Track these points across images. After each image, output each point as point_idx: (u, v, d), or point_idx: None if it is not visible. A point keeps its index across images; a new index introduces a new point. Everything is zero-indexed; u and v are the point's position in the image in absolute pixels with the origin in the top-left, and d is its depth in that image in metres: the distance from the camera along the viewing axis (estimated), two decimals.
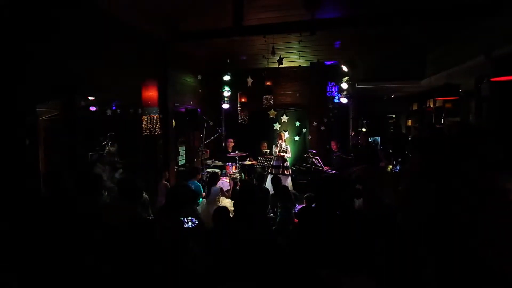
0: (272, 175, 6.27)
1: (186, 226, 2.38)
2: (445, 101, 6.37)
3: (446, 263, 1.58)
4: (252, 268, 2.04)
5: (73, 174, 3.56)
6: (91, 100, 5.34)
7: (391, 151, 6.27)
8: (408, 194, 2.06)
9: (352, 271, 1.67)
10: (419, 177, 2.16)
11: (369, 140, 6.62)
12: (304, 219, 2.26)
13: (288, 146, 6.73)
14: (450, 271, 1.52)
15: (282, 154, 6.51)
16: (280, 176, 5.88)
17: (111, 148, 4.94)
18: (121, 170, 4.83)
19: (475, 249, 1.53)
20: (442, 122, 6.89)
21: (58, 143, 4.86)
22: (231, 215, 2.93)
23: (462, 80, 5.22)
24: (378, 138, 7.48)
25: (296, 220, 4.12)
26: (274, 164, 6.62)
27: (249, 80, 7.10)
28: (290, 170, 6.69)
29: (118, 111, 5.37)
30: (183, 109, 6.38)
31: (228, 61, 6.55)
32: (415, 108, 8.56)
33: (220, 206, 3.88)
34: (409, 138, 7.98)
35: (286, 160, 6.60)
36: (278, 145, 6.58)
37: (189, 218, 2.44)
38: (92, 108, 6.05)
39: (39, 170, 3.34)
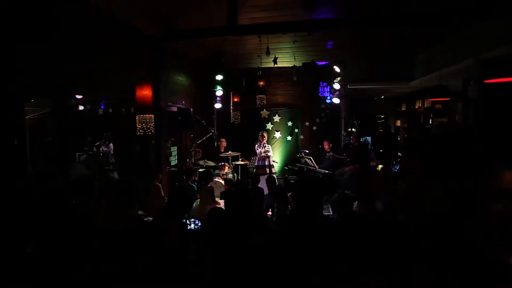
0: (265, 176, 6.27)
1: (189, 228, 2.34)
2: (434, 102, 6.54)
3: (453, 259, 1.61)
4: (250, 269, 2.02)
5: (63, 175, 3.45)
6: (80, 98, 5.17)
7: (381, 151, 6.38)
8: (412, 193, 2.09)
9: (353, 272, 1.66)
10: (421, 177, 2.20)
11: (361, 140, 6.71)
12: (290, 220, 2.25)
13: (270, 146, 6.80)
14: (456, 268, 1.55)
15: (268, 154, 6.56)
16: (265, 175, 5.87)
17: (105, 148, 4.79)
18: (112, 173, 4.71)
19: (479, 244, 1.56)
20: (431, 122, 7.08)
21: (45, 143, 4.69)
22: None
23: (451, 81, 5.37)
24: (369, 138, 7.60)
25: None
26: (259, 164, 6.63)
27: (243, 80, 7.07)
28: (274, 169, 6.74)
29: (110, 110, 5.22)
30: (175, 109, 6.28)
31: (223, 60, 6.49)
32: (403, 108, 8.75)
33: (215, 207, 3.83)
34: (398, 138, 8.16)
35: (270, 160, 6.65)
36: (262, 145, 6.63)
37: (192, 219, 2.39)
38: (80, 107, 5.87)
39: (27, 171, 3.20)
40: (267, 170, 6.55)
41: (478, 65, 4.40)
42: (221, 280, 1.88)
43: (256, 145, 6.80)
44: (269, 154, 6.66)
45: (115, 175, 4.94)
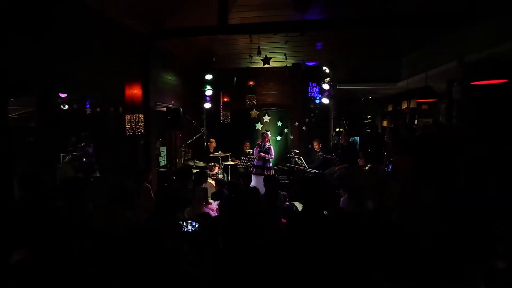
0: (257, 176, 6.27)
1: (185, 230, 2.30)
2: (420, 103, 6.72)
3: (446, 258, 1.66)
4: (247, 271, 2.00)
5: (49, 176, 3.32)
6: (65, 97, 5.00)
7: (369, 150, 6.50)
8: (405, 192, 2.13)
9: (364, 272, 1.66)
10: (414, 176, 2.25)
11: (350, 140, 6.83)
12: (294, 221, 2.24)
13: (271, 146, 6.74)
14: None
15: (263, 154, 6.53)
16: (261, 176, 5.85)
17: (89, 149, 4.67)
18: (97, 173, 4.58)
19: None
20: (416, 122, 7.28)
21: (26, 143, 4.52)
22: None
23: (436, 83, 5.53)
24: (357, 138, 7.74)
25: (283, 220, 4.13)
26: (256, 164, 6.62)
27: (234, 80, 7.01)
28: (272, 170, 6.71)
29: (98, 109, 5.08)
30: (164, 108, 6.18)
31: (214, 59, 6.44)
32: (390, 109, 8.96)
33: (204, 213, 3.81)
34: (385, 138, 8.35)
35: (269, 161, 6.62)
36: (261, 145, 6.60)
37: (189, 221, 2.35)
38: (65, 106, 5.68)
39: (12, 172, 3.06)
40: (264, 171, 6.47)
41: (462, 67, 4.56)
42: (221, 281, 1.86)
43: (255, 145, 6.78)
44: (266, 156, 6.55)
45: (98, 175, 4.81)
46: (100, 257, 1.85)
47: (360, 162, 5.20)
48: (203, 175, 4.37)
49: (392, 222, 2.06)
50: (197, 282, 2.02)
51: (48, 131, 3.45)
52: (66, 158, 5.85)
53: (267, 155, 6.53)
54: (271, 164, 6.68)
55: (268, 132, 7.82)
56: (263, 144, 6.61)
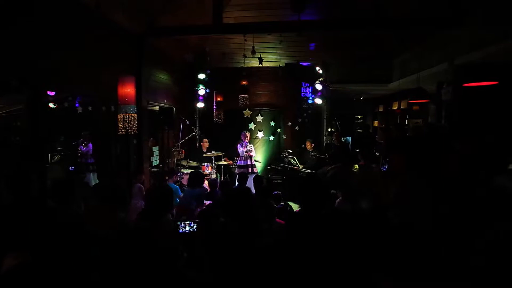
0: (250, 175, 6.28)
1: (183, 230, 2.26)
2: (411, 104, 6.83)
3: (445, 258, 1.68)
4: (247, 273, 1.99)
5: (39, 177, 3.23)
6: (55, 95, 4.88)
7: (357, 150, 6.57)
8: (404, 193, 2.15)
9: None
10: (408, 176, 2.28)
11: (342, 140, 6.89)
12: (293, 222, 2.23)
13: (252, 145, 6.85)
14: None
15: (247, 153, 6.61)
16: (249, 175, 5.90)
17: (84, 148, 4.56)
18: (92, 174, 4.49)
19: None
20: (406, 123, 7.40)
21: (12, 143, 4.40)
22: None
23: (426, 84, 5.64)
24: (349, 138, 7.80)
25: (278, 220, 4.13)
26: (241, 163, 6.68)
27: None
28: (255, 168, 6.80)
29: (90, 108, 4.97)
30: (156, 108, 6.10)
31: (208, 59, 6.40)
32: (381, 109, 9.08)
33: (205, 208, 3.76)
34: (376, 138, 8.46)
35: (251, 159, 6.70)
36: (244, 145, 6.63)
37: (187, 222, 2.31)
38: (51, 105, 5.54)
39: None
40: (249, 169, 6.56)
41: (453, 69, 4.66)
42: (221, 283, 1.84)
43: (238, 145, 6.78)
44: (251, 153, 6.68)
45: (95, 176, 4.70)
46: (97, 260, 1.81)
47: (361, 163, 5.23)
48: (199, 176, 4.32)
49: (388, 221, 2.08)
50: (195, 283, 1.99)
51: (36, 130, 3.35)
52: (55, 158, 5.70)
53: (251, 153, 6.63)
54: (253, 162, 6.76)
55: (261, 132, 7.84)
56: (245, 143, 6.65)
